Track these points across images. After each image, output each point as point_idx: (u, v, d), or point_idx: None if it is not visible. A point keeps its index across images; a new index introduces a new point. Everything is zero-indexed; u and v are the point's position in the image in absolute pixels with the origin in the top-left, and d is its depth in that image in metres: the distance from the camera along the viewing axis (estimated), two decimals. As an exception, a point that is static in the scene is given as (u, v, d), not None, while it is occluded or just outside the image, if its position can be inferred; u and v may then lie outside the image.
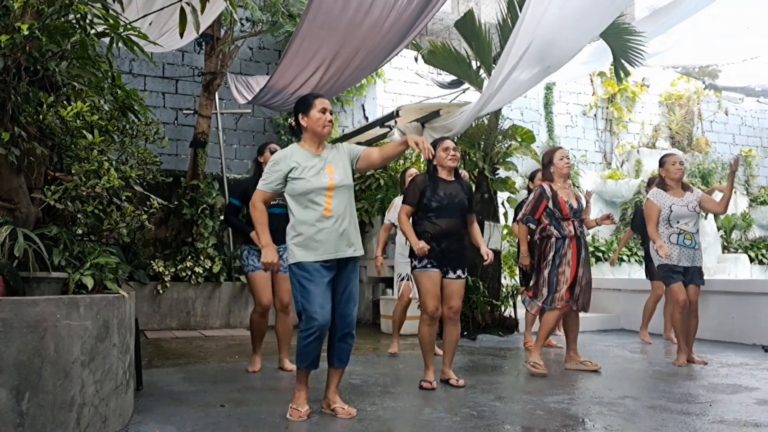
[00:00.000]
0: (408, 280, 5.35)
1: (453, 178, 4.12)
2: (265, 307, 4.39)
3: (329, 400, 3.32)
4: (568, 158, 4.69)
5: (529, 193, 6.15)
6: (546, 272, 4.51)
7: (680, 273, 4.87)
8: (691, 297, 4.88)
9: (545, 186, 4.62)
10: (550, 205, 4.55)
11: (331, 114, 3.32)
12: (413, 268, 4.08)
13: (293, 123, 3.38)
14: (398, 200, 5.50)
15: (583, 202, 4.70)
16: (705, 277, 5.10)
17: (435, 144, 4.13)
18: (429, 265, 3.98)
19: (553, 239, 4.53)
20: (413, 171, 5.48)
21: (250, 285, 4.51)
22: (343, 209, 3.23)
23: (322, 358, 3.29)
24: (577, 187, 9.92)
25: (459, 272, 4.04)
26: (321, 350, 3.21)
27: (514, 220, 6.14)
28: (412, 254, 4.07)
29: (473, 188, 4.60)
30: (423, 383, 4.00)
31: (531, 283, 4.72)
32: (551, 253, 4.52)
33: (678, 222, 4.91)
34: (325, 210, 3.17)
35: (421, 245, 3.89)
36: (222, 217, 7.65)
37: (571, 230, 4.51)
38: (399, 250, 5.46)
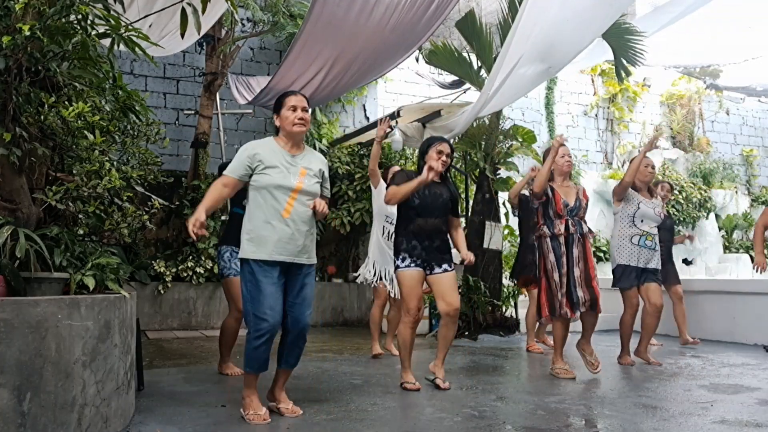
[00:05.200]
0: (383, 280, 5.25)
1: (440, 180, 4.04)
2: (242, 311, 4.28)
3: (276, 398, 3.29)
4: (569, 156, 4.64)
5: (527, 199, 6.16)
6: (556, 276, 4.40)
7: (636, 277, 4.91)
8: (653, 298, 4.92)
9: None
10: (549, 194, 4.49)
11: (304, 111, 3.20)
12: (396, 267, 3.99)
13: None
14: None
15: (584, 201, 4.64)
16: (706, 277, 5.12)
17: (431, 142, 4.07)
18: (412, 264, 3.91)
19: (548, 239, 4.47)
20: (396, 168, 5.44)
21: (228, 289, 4.29)
22: (303, 215, 3.15)
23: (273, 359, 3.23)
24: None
25: (445, 266, 3.96)
26: (270, 352, 3.13)
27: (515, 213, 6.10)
28: (396, 252, 4.00)
29: (458, 191, 4.43)
30: (406, 385, 3.91)
31: (541, 300, 4.52)
32: (551, 255, 4.44)
33: (642, 222, 4.93)
34: (284, 210, 3.09)
35: (430, 173, 3.75)
36: (224, 216, 7.67)
37: (561, 229, 4.44)
38: (376, 243, 5.34)
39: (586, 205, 4.63)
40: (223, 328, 4.39)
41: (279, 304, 3.08)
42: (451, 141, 7.13)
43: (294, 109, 3.19)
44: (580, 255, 4.46)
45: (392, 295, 5.28)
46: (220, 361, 4.45)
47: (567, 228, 4.45)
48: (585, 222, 4.58)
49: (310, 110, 3.29)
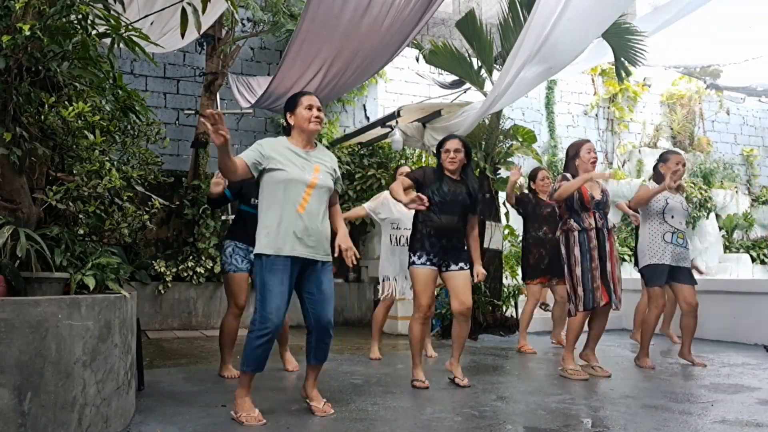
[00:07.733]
0: (393, 281, 5.21)
1: (459, 178, 4.10)
2: (240, 308, 4.22)
3: (308, 395, 3.33)
4: (596, 152, 4.55)
5: (530, 192, 6.15)
6: (578, 270, 4.34)
7: (665, 275, 4.84)
8: (688, 298, 4.85)
9: (567, 174, 4.51)
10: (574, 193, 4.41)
11: (319, 111, 3.27)
12: (410, 264, 4.01)
13: (284, 123, 3.37)
14: (386, 194, 5.35)
15: (608, 195, 4.57)
16: (707, 278, 5.10)
17: (440, 144, 4.12)
18: (427, 263, 3.95)
19: (576, 233, 4.39)
20: (406, 169, 5.39)
21: (227, 285, 4.22)
22: (318, 210, 3.19)
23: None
24: None
25: (461, 264, 4.01)
26: (270, 352, 3.12)
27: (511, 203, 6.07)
28: (411, 248, 4.04)
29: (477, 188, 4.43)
30: (415, 383, 3.97)
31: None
32: (577, 249, 4.36)
33: (672, 218, 4.88)
34: (300, 206, 3.13)
35: (414, 198, 3.80)
36: (224, 216, 7.67)
37: (591, 222, 4.37)
38: (385, 252, 5.33)
39: (609, 199, 4.57)
40: (222, 328, 4.32)
41: (285, 305, 3.09)
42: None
43: (310, 107, 3.25)
44: (610, 251, 4.41)
45: (399, 296, 5.22)
46: (221, 363, 4.39)
47: (595, 221, 4.40)
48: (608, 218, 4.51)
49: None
